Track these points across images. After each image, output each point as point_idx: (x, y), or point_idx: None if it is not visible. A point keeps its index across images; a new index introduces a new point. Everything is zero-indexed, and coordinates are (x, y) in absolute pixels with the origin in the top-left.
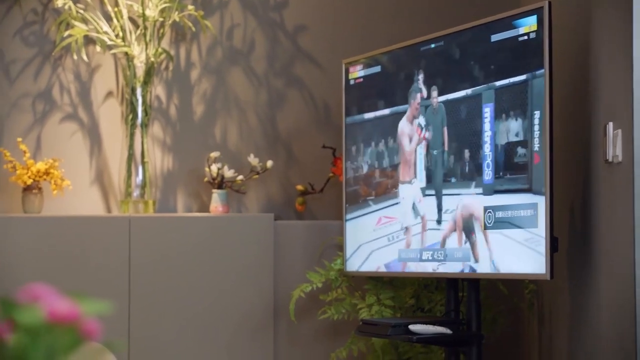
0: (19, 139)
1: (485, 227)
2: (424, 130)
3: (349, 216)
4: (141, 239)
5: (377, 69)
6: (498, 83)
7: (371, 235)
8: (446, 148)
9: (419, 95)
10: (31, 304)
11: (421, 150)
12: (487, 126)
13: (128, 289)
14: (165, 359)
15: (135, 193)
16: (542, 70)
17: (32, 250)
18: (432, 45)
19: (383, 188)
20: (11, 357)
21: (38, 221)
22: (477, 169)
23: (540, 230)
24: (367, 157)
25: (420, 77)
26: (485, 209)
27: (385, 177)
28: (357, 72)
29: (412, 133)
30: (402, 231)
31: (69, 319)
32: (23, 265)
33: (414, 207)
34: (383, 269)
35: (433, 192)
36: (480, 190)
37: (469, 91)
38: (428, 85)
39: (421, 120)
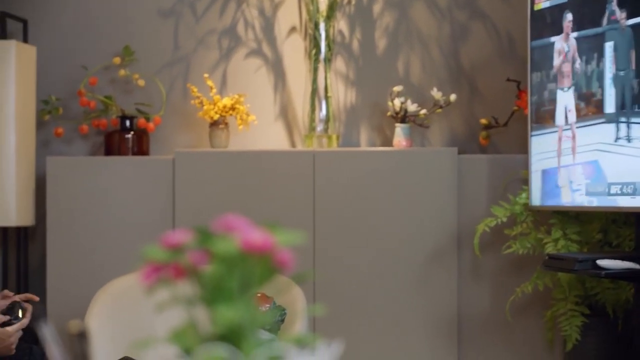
0: (206, 75)
1: None
2: (612, 54)
3: (534, 149)
4: (325, 174)
5: None
6: None
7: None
8: (634, 73)
9: (604, 19)
10: (226, 234)
11: (609, 75)
12: None
13: (312, 223)
14: (348, 289)
15: (319, 128)
16: None
17: (219, 184)
18: None
19: (569, 120)
20: (207, 286)
21: (224, 156)
22: None
23: None
24: (553, 89)
25: (611, 1)
26: None
27: (572, 110)
28: (542, 3)
29: (597, 62)
30: (589, 163)
31: (263, 249)
32: (210, 198)
33: (602, 138)
34: (569, 203)
35: (624, 119)
36: None
37: None
38: (619, 7)
39: (609, 44)
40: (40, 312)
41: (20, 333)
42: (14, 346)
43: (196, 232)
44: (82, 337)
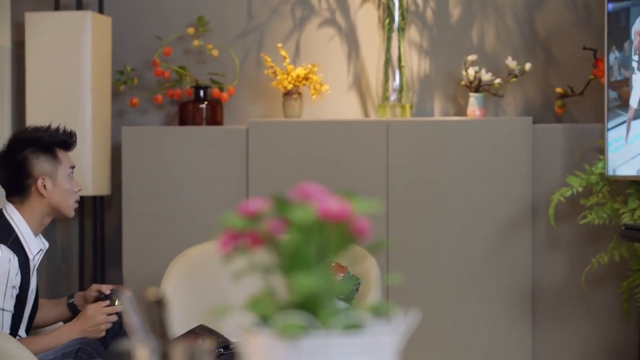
0: (279, 45)
1: None
2: None
3: (610, 119)
4: (398, 143)
5: None
6: None
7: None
8: None
9: None
10: (303, 202)
11: None
12: None
13: (386, 192)
14: (422, 259)
15: (393, 97)
16: None
17: (292, 154)
18: None
19: None
20: (284, 255)
21: (298, 126)
22: None
23: None
24: (632, 57)
25: None
26: None
27: None
28: None
29: None
30: None
31: (341, 218)
32: (283, 168)
33: None
34: None
35: None
36: None
37: None
38: None
39: None
40: (118, 281)
41: (114, 318)
42: (103, 327)
43: (273, 200)
44: (159, 305)
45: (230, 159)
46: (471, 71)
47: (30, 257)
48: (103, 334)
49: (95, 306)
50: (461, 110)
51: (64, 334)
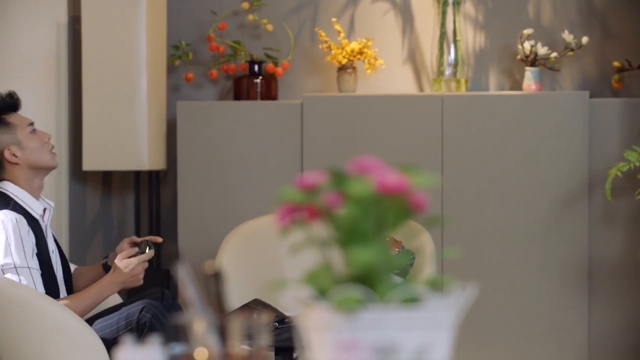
0: (334, 19)
1: None
2: None
3: None
4: (453, 118)
5: None
6: None
7: None
8: None
9: None
10: (361, 176)
11: None
12: None
13: (441, 167)
14: (477, 234)
15: (448, 72)
16: None
17: (346, 129)
18: None
19: None
20: (341, 228)
21: (352, 100)
22: None
23: None
24: None
25: None
26: None
27: None
28: None
29: None
30: None
31: (398, 191)
32: (338, 142)
33: None
34: None
35: None
36: None
37: None
38: None
39: None
40: (175, 254)
41: (146, 265)
42: (141, 276)
43: (331, 173)
44: (216, 278)
45: (284, 133)
46: (527, 45)
47: (37, 217)
48: (142, 282)
49: (126, 255)
50: (517, 85)
51: (104, 288)
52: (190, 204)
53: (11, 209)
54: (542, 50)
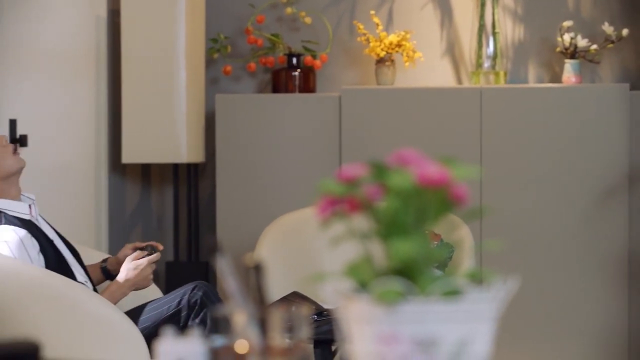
0: (372, 12)
1: None
2: None
3: None
4: (492, 110)
5: None
6: None
7: None
8: None
9: None
10: (402, 168)
11: None
12: None
13: (479, 161)
14: (516, 227)
15: (486, 64)
16: None
17: (384, 121)
18: None
19: None
20: (382, 220)
21: (390, 93)
22: None
23: None
24: None
25: None
26: None
27: None
28: None
29: None
30: None
31: (440, 184)
32: (376, 135)
33: None
34: None
35: None
36: None
37: None
38: None
39: None
40: (214, 246)
41: (154, 267)
42: (150, 277)
43: (372, 166)
44: (257, 270)
45: (322, 126)
46: (567, 37)
47: (28, 217)
48: (151, 283)
49: (135, 257)
50: (556, 77)
51: (114, 293)
52: (229, 197)
53: (5, 223)
54: (582, 42)
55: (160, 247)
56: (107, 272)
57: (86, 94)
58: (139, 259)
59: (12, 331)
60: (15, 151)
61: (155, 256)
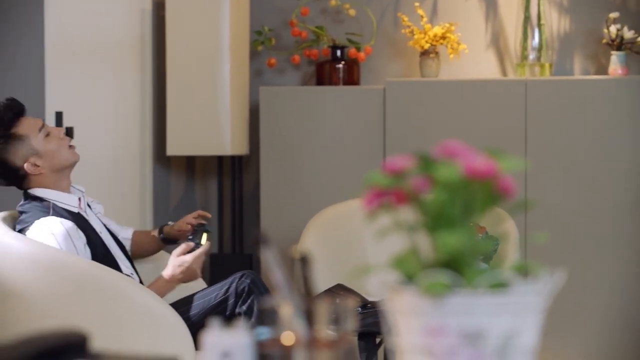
0: (416, 4)
1: None
2: None
3: None
4: (537, 102)
5: None
6: None
7: None
8: None
9: None
10: (449, 160)
11: None
12: None
13: (524, 153)
14: (561, 220)
15: (532, 56)
16: None
17: (429, 114)
18: None
19: None
20: (429, 213)
21: (435, 85)
22: None
23: None
24: None
25: None
26: None
27: None
28: None
29: None
30: None
31: (486, 176)
32: (420, 127)
33: None
34: None
35: None
36: None
37: None
38: None
39: None
40: (261, 238)
41: (203, 258)
42: (198, 271)
43: (418, 158)
44: (304, 262)
45: (367, 118)
46: (613, 29)
47: (77, 210)
48: (200, 276)
49: (181, 251)
50: (602, 69)
51: (162, 288)
52: (272, 189)
53: (53, 214)
54: (628, 34)
55: (209, 216)
56: (166, 241)
57: (131, 87)
58: (184, 253)
59: (59, 322)
60: (70, 145)
61: (200, 250)
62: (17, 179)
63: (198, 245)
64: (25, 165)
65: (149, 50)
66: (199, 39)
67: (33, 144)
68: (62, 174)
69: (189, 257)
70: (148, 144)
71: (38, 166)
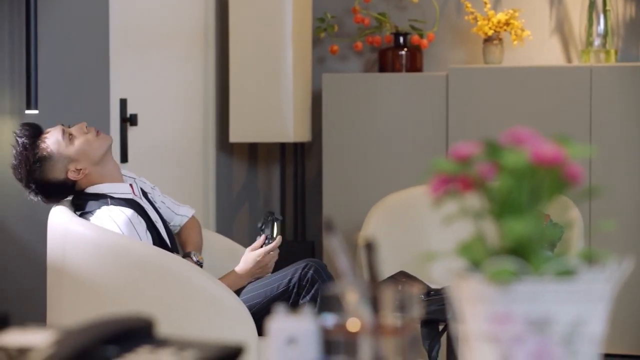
0: None
1: None
2: None
3: None
4: (602, 90)
5: None
6: None
7: None
8: None
9: None
10: (515, 147)
11: None
12: None
13: (589, 139)
14: (626, 207)
15: (597, 42)
16: None
17: (492, 100)
18: None
19: None
20: (495, 199)
21: (499, 72)
22: None
23: None
24: None
25: None
26: None
27: None
28: None
29: None
30: None
31: (554, 162)
32: (484, 114)
33: None
34: None
35: None
36: None
37: None
38: None
39: None
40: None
41: (274, 255)
42: (269, 265)
43: (485, 144)
44: (369, 248)
45: (429, 105)
46: None
47: (130, 197)
48: (271, 270)
49: (255, 246)
50: None
51: (235, 282)
52: (335, 176)
53: (111, 204)
54: None
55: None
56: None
57: (194, 74)
58: (257, 248)
59: (126, 307)
60: (97, 132)
61: (272, 245)
62: (69, 189)
63: (270, 237)
64: (69, 175)
65: (212, 38)
66: (261, 26)
67: (64, 154)
68: (103, 162)
69: (260, 252)
70: (211, 131)
71: (80, 169)
